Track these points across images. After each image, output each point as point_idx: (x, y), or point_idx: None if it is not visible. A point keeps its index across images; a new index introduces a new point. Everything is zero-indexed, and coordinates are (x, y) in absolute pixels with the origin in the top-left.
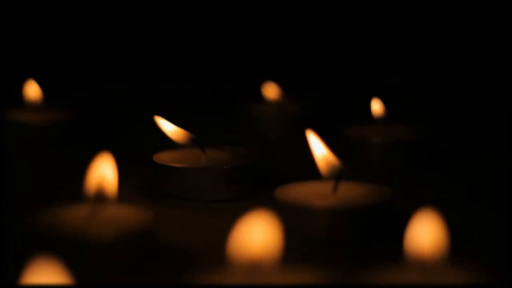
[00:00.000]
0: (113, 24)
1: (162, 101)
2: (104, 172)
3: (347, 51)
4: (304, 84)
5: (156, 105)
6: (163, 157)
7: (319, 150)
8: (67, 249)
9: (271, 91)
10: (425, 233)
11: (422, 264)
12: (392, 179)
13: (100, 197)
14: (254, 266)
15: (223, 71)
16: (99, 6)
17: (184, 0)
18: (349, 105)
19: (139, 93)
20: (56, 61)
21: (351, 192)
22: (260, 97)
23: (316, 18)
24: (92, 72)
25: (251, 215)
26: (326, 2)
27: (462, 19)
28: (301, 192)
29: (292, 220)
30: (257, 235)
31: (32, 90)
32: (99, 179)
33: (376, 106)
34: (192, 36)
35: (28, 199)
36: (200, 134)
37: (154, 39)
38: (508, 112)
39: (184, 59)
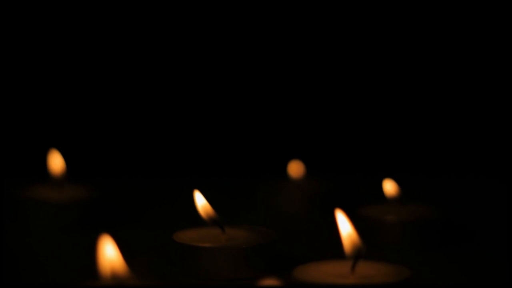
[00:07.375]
0: (136, 99)
1: (181, 177)
2: (109, 255)
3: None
4: (326, 163)
5: (175, 181)
6: (182, 236)
7: (346, 228)
8: None
9: (295, 169)
10: None
11: None
12: (409, 258)
13: (114, 278)
14: None
15: (245, 148)
16: (121, 83)
17: (212, 74)
18: (366, 185)
19: (158, 169)
20: (79, 134)
21: (370, 271)
22: (281, 175)
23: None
24: (114, 147)
25: None
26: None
27: (465, 94)
28: (320, 271)
29: None
30: None
31: (56, 164)
32: (107, 262)
33: (389, 187)
34: (216, 112)
35: (47, 280)
36: (219, 212)
37: (173, 115)
38: None
39: (207, 134)
